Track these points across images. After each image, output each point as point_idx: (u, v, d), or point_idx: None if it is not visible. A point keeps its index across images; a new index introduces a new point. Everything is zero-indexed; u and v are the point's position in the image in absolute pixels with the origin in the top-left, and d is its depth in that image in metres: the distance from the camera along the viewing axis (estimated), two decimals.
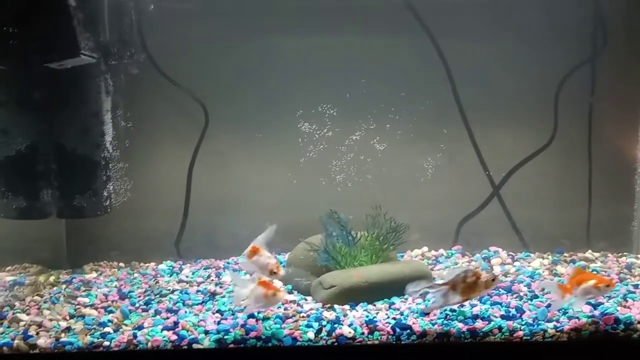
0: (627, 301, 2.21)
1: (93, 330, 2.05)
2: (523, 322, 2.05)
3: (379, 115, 2.81)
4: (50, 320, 2.13)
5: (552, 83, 2.83)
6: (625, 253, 2.83)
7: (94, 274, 2.65)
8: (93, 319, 2.13)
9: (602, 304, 2.16)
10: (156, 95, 2.82)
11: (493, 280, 2.04)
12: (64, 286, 2.48)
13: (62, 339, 1.99)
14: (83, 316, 2.16)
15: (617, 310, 2.10)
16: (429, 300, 2.14)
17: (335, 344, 1.99)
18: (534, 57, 2.82)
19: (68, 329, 2.06)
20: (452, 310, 2.14)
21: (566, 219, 2.92)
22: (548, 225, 2.95)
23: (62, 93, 2.53)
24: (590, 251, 2.83)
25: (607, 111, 2.88)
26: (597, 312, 2.11)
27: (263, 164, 2.88)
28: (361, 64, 2.81)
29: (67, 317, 2.16)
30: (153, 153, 2.88)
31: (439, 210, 2.90)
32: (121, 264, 2.78)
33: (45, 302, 2.30)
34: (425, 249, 2.87)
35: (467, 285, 2.02)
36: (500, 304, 2.21)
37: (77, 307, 2.26)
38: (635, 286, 2.38)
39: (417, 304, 2.18)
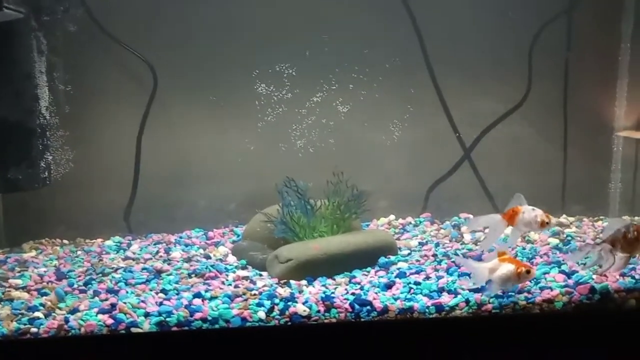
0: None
1: (20, 316, 1.85)
2: (492, 295, 1.90)
3: (341, 74, 2.60)
4: None
5: (526, 37, 2.65)
6: (601, 217, 2.70)
7: (33, 253, 2.44)
8: (22, 303, 1.93)
9: (576, 272, 2.02)
10: (98, 56, 2.58)
11: None
12: None
13: None
14: (11, 300, 1.96)
15: (593, 279, 1.96)
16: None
17: (289, 323, 1.83)
18: (507, 9, 2.62)
19: None
20: (417, 284, 1.99)
21: (540, 182, 2.77)
22: (522, 189, 2.79)
23: None
24: (564, 215, 2.70)
25: (584, 67, 2.71)
26: (571, 282, 1.97)
27: (217, 129, 2.68)
28: (322, 19, 2.59)
29: None
30: (97, 119, 2.64)
31: (407, 175, 2.74)
32: (65, 241, 2.57)
33: None
34: (392, 217, 2.71)
35: (627, 242, 1.85)
36: (469, 274, 2.05)
37: (7, 290, 2.05)
38: None
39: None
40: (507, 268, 1.87)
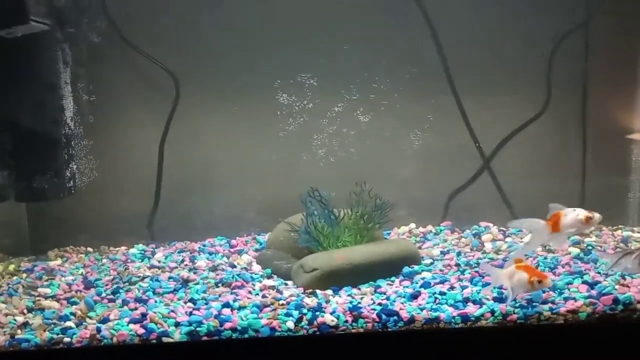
0: (625, 279, 2.08)
1: (52, 325, 1.88)
2: (517, 305, 1.92)
3: (362, 85, 2.63)
4: (6, 315, 1.95)
5: (546, 48, 2.66)
6: (620, 226, 2.71)
7: (59, 261, 2.47)
8: (53, 312, 1.96)
9: (600, 282, 2.03)
10: (122, 66, 2.62)
11: None
12: (24, 275, 2.31)
13: (17, 336, 1.82)
14: (42, 309, 1.99)
15: (616, 290, 1.97)
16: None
17: (317, 333, 1.85)
18: (527, 20, 2.64)
19: (25, 325, 1.88)
20: (442, 294, 2.01)
21: (559, 191, 2.78)
22: (540, 198, 2.80)
23: (14, 65, 2.32)
24: None
25: (603, 78, 2.72)
26: (594, 292, 1.98)
27: (240, 139, 2.71)
28: (343, 30, 2.62)
29: (25, 311, 1.99)
30: (121, 129, 2.68)
31: (427, 184, 2.75)
32: (89, 249, 2.61)
33: (1, 294, 2.12)
34: (412, 225, 2.73)
35: None
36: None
37: (37, 299, 2.08)
38: None
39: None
40: (520, 276, 1.89)
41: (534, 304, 1.93)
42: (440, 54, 2.66)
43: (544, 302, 1.93)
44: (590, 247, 2.42)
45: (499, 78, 2.71)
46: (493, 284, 1.98)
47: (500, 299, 1.95)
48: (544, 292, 1.97)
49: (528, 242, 2.12)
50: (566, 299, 1.94)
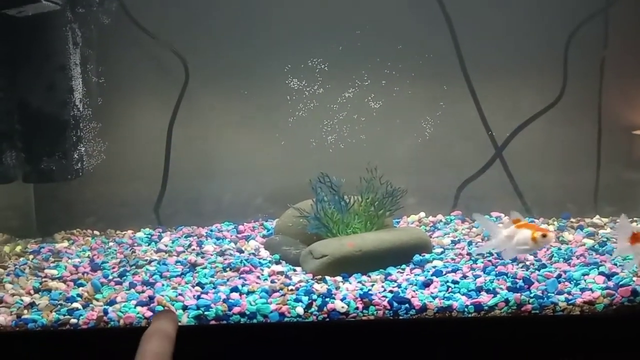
0: None
1: (59, 306, 1.85)
2: (531, 295, 1.88)
3: (373, 70, 2.58)
4: (13, 295, 1.93)
5: (562, 35, 2.61)
6: (635, 218, 2.66)
7: (65, 243, 2.44)
8: (60, 294, 1.93)
9: (617, 274, 1.99)
10: (131, 48, 2.58)
11: None
12: (30, 257, 2.28)
13: (24, 316, 1.80)
14: (49, 290, 1.97)
15: (634, 281, 1.93)
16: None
17: (327, 319, 1.82)
18: (543, 6, 2.59)
19: (32, 305, 1.86)
20: (454, 282, 1.97)
21: (573, 182, 2.74)
22: (553, 189, 2.77)
23: (24, 45, 2.29)
24: (598, 216, 2.66)
25: (620, 66, 2.66)
26: (611, 283, 1.94)
27: (249, 123, 2.67)
28: (355, 14, 2.57)
29: (32, 292, 1.97)
30: (129, 112, 2.65)
31: (438, 173, 2.71)
32: (96, 232, 2.58)
33: (8, 274, 2.10)
34: (422, 214, 2.69)
35: None
36: (506, 274, 2.04)
37: (44, 280, 2.06)
38: None
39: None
40: (522, 234, 1.84)
41: (549, 294, 1.89)
42: (454, 41, 2.61)
43: (560, 293, 1.90)
44: (605, 239, 2.37)
45: (513, 66, 2.66)
46: (492, 242, 1.90)
47: (515, 289, 1.92)
48: (559, 281, 1.93)
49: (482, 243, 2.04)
50: (582, 290, 1.91)
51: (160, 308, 1.83)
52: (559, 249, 2.28)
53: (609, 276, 1.98)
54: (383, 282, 2.01)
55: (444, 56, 2.62)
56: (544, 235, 1.82)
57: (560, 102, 2.67)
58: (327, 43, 2.56)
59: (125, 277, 2.08)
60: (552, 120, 2.70)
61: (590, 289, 1.91)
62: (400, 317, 1.83)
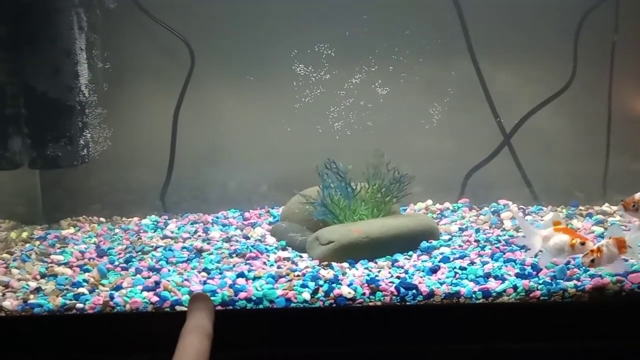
0: None
1: (65, 291, 1.85)
2: (540, 281, 1.87)
3: (381, 56, 2.56)
4: (19, 280, 1.93)
5: (573, 19, 2.57)
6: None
7: (72, 230, 2.44)
8: (66, 279, 1.93)
9: (627, 260, 1.96)
10: (136, 33, 2.56)
11: None
12: (37, 243, 2.28)
13: (30, 301, 1.80)
14: (55, 275, 1.97)
15: None
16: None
17: (334, 305, 1.81)
18: None
19: (38, 290, 1.86)
20: (462, 269, 1.95)
21: (581, 170, 2.71)
22: (561, 176, 2.75)
23: (30, 29, 2.28)
24: (607, 204, 2.64)
25: (632, 52, 2.63)
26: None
27: (255, 109, 2.66)
28: None
29: (38, 277, 1.96)
30: (134, 97, 2.64)
31: (445, 160, 2.69)
32: (102, 219, 2.58)
33: (14, 260, 2.10)
34: (429, 202, 2.67)
35: None
36: (514, 260, 2.02)
37: (50, 265, 2.06)
38: None
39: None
40: (560, 238, 1.81)
41: (557, 280, 1.87)
42: (463, 26, 2.58)
43: (569, 279, 1.88)
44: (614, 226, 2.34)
45: (522, 52, 2.63)
46: (528, 245, 1.88)
47: (523, 275, 1.90)
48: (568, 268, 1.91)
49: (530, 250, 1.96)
50: (592, 276, 1.89)
51: (166, 293, 1.82)
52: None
53: None
54: (390, 269, 2.00)
55: (452, 42, 2.59)
56: (583, 244, 1.79)
57: (569, 88, 2.63)
58: (333, 28, 2.53)
59: (131, 263, 2.07)
60: (561, 107, 2.67)
61: (600, 276, 1.89)
62: (408, 303, 1.82)
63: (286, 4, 2.55)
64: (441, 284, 1.86)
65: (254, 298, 1.80)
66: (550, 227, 1.87)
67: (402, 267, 2.00)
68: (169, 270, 1.99)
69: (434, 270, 1.95)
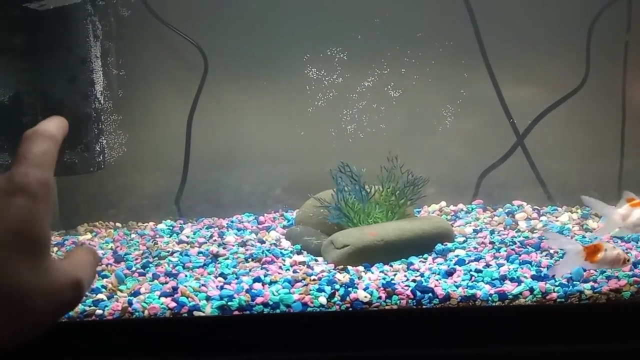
0: None
1: (85, 297, 1.87)
2: (556, 283, 1.86)
3: (393, 58, 2.56)
4: None
5: (585, 19, 2.56)
6: None
7: (89, 236, 2.47)
8: None
9: None
10: (150, 40, 2.59)
11: None
12: (55, 249, 2.31)
13: None
14: None
15: None
16: None
17: (350, 309, 1.82)
18: None
19: None
20: (478, 271, 1.96)
21: (596, 170, 2.70)
22: (576, 176, 2.74)
23: (46, 38, 2.31)
24: None
25: None
26: (638, 271, 1.92)
27: (268, 113, 2.67)
28: (374, 2, 2.55)
29: None
30: (149, 104, 2.66)
31: (458, 161, 2.70)
32: (118, 224, 2.61)
33: None
34: (443, 203, 2.67)
35: None
36: (530, 262, 2.02)
37: None
38: None
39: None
40: None
41: (574, 282, 1.87)
42: (475, 28, 2.58)
43: (585, 281, 1.87)
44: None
45: (535, 52, 2.63)
46: (607, 229, 1.88)
47: (539, 277, 1.90)
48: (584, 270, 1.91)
49: (602, 228, 2.01)
50: (609, 278, 1.88)
51: (184, 299, 1.84)
52: (584, 237, 2.25)
53: (635, 264, 1.95)
54: (405, 272, 2.01)
55: (464, 44, 2.59)
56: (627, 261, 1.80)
57: (583, 88, 2.62)
58: (346, 32, 2.55)
59: (148, 268, 2.09)
60: (574, 107, 2.66)
61: (617, 277, 1.88)
62: (424, 307, 1.82)
63: (299, 8, 2.56)
64: (457, 287, 1.87)
65: (270, 303, 1.81)
66: (625, 204, 1.85)
67: (417, 270, 2.01)
68: (186, 276, 2.01)
69: (449, 273, 1.95)
